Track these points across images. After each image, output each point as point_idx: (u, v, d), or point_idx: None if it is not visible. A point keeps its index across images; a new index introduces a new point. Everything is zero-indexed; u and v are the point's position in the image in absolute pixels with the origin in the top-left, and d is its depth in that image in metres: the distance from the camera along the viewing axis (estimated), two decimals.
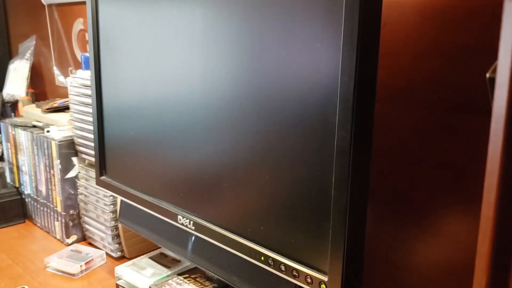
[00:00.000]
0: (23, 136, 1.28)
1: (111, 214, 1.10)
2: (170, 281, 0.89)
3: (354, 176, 0.56)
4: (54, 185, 1.19)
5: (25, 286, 0.99)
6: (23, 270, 1.06)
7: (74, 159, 1.18)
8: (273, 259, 0.66)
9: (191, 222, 0.79)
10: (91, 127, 1.10)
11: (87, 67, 1.17)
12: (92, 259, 1.08)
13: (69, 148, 1.17)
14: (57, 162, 1.16)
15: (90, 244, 1.19)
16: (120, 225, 1.10)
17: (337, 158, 0.56)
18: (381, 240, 0.83)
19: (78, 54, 1.56)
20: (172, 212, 0.82)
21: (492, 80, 0.34)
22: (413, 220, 0.78)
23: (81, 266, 1.05)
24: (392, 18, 0.75)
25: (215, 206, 0.75)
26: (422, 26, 0.72)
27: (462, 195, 0.72)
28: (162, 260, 0.98)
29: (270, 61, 0.62)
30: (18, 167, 1.35)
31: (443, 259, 0.75)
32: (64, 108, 1.31)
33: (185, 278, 0.90)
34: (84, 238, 1.21)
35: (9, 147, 1.37)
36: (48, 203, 1.23)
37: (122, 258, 1.12)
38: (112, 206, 1.10)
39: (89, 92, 1.09)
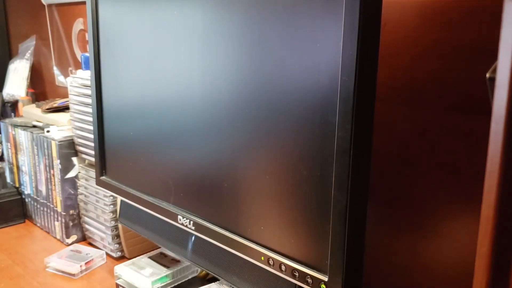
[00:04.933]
0: (23, 136, 1.28)
1: (111, 214, 1.10)
2: None
3: (354, 176, 0.56)
4: (54, 185, 1.19)
5: None
6: (23, 270, 1.06)
7: (74, 159, 1.18)
8: (273, 259, 0.66)
9: (191, 222, 0.79)
10: (91, 127, 1.10)
11: (87, 67, 1.17)
12: (92, 259, 1.08)
13: (69, 148, 1.17)
14: (57, 162, 1.16)
15: (90, 244, 1.19)
16: (120, 225, 1.10)
17: (337, 158, 0.56)
18: (381, 240, 0.83)
19: (78, 54, 1.56)
20: (172, 212, 0.82)
21: (492, 80, 0.34)
22: (413, 220, 0.78)
23: (81, 266, 1.05)
24: (392, 18, 0.75)
25: (215, 206, 0.75)
26: (422, 26, 0.72)
27: (462, 195, 0.72)
28: (162, 259, 0.98)
29: (270, 61, 0.62)
30: (18, 167, 1.35)
31: (443, 259, 0.75)
32: (64, 108, 1.31)
33: None
34: (84, 238, 1.21)
35: (9, 147, 1.37)
36: (48, 203, 1.23)
37: (122, 258, 1.12)
38: (112, 206, 1.10)
39: (89, 92, 1.09)
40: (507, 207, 0.34)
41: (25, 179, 1.32)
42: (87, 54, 1.17)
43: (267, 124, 0.64)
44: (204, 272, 0.97)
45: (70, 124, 1.20)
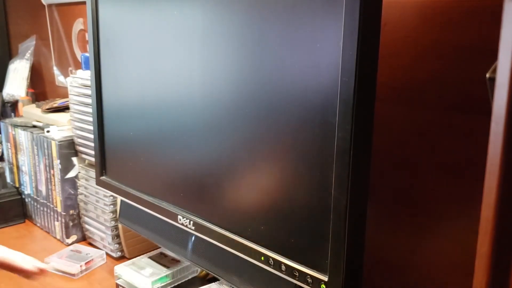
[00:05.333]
0: (23, 136, 1.28)
1: (111, 214, 1.10)
2: None
3: (354, 176, 0.56)
4: (54, 185, 1.19)
5: None
6: None
7: (74, 159, 1.18)
8: (273, 259, 0.66)
9: (191, 222, 0.79)
10: (91, 127, 1.10)
11: (87, 67, 1.17)
12: (92, 259, 1.08)
13: (69, 148, 1.17)
14: (57, 162, 1.16)
15: (90, 244, 1.19)
16: (120, 225, 1.10)
17: (337, 158, 0.56)
18: (381, 240, 0.83)
19: (78, 54, 1.56)
20: (172, 212, 0.82)
21: (492, 80, 0.34)
22: (413, 220, 0.78)
23: (81, 266, 1.05)
24: (392, 18, 0.75)
25: (215, 206, 0.75)
26: (422, 26, 0.72)
27: (462, 195, 0.72)
28: (162, 260, 0.98)
29: (270, 62, 0.62)
30: (18, 167, 1.35)
31: (443, 259, 0.75)
32: (64, 108, 1.31)
33: None
34: (84, 238, 1.21)
35: (9, 147, 1.37)
36: (48, 203, 1.23)
37: (122, 258, 1.12)
38: (112, 206, 1.10)
39: (89, 92, 1.09)
40: (507, 207, 0.34)
41: (25, 179, 1.32)
42: (87, 54, 1.17)
43: (267, 124, 0.64)
44: (204, 272, 0.97)
45: (70, 124, 1.19)
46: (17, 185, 1.37)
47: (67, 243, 1.19)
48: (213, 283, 0.88)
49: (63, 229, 1.19)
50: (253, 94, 0.65)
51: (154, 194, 0.87)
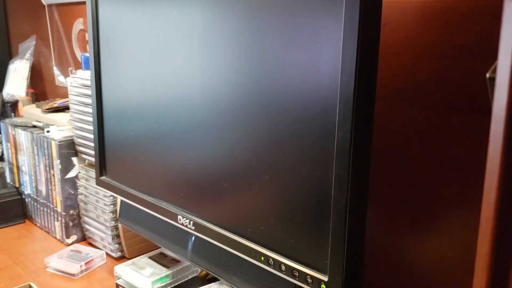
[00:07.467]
0: (23, 136, 1.28)
1: (111, 214, 1.10)
2: None
3: (354, 176, 0.56)
4: (54, 185, 1.19)
5: (30, 283, 0.99)
6: (23, 270, 1.07)
7: (74, 159, 1.18)
8: (273, 259, 0.66)
9: (191, 222, 0.79)
10: (91, 127, 1.10)
11: (87, 67, 1.17)
12: (92, 259, 1.08)
13: (69, 148, 1.17)
14: (57, 162, 1.16)
15: (90, 244, 1.19)
16: (120, 225, 1.10)
17: (337, 158, 0.56)
18: (381, 240, 0.83)
19: (78, 54, 1.56)
20: (172, 212, 0.82)
21: (492, 80, 0.34)
22: (413, 220, 0.78)
23: (81, 266, 1.05)
24: (392, 18, 0.75)
25: (215, 206, 0.75)
26: (422, 26, 0.72)
27: (462, 195, 0.72)
28: (162, 260, 0.98)
29: (270, 61, 0.62)
30: (18, 167, 1.35)
31: (443, 259, 0.75)
32: (64, 108, 1.31)
33: None
34: (84, 238, 1.21)
35: (9, 147, 1.37)
36: (48, 203, 1.23)
37: (122, 258, 1.12)
38: (112, 206, 1.10)
39: (89, 92, 1.09)
40: (507, 207, 0.34)
41: (25, 179, 1.32)
42: (87, 54, 1.17)
43: (267, 124, 0.64)
44: (204, 272, 0.97)
45: (70, 124, 1.20)
46: (17, 185, 1.37)
47: (67, 243, 1.19)
48: (213, 283, 0.88)
49: (63, 229, 1.19)
50: (253, 94, 0.65)
51: (154, 194, 0.87)
